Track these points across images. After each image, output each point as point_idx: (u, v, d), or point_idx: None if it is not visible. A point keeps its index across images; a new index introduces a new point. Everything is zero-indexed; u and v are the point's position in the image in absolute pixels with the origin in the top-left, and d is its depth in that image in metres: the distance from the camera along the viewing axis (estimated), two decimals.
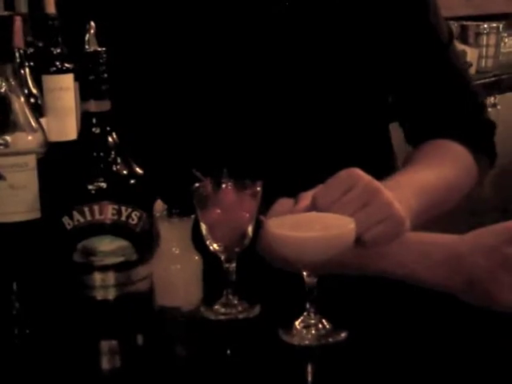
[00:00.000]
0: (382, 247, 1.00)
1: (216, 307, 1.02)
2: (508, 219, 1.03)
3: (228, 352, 0.98)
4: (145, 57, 1.19)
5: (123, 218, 0.93)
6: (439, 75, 1.28)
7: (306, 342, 0.95)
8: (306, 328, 0.96)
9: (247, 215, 1.00)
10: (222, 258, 1.03)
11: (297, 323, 0.97)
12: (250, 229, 1.02)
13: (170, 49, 1.18)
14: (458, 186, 1.21)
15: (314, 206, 1.00)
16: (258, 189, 1.00)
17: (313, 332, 0.96)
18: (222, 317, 1.01)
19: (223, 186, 1.00)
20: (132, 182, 0.95)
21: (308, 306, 0.97)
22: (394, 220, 0.98)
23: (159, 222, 1.00)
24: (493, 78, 3.06)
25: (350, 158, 1.16)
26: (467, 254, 1.00)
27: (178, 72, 1.19)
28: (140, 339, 0.96)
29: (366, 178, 0.98)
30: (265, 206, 1.02)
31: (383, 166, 1.17)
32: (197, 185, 1.00)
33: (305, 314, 0.97)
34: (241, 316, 1.01)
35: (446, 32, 1.30)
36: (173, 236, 1.01)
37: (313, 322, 0.97)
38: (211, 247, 1.03)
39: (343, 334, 0.97)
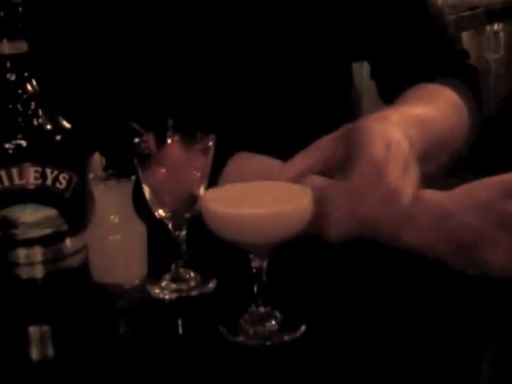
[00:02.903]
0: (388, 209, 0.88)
1: (164, 283, 0.93)
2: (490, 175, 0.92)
3: (178, 336, 0.87)
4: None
5: (48, 183, 0.85)
6: (416, 19, 1.20)
7: (252, 342, 0.80)
8: (253, 323, 0.82)
9: (198, 175, 0.90)
10: (170, 225, 0.93)
11: (243, 318, 0.83)
12: (201, 191, 0.92)
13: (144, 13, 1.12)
14: (458, 128, 1.12)
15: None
16: (210, 143, 0.91)
17: (262, 328, 0.82)
18: (172, 294, 0.92)
19: (168, 140, 0.91)
20: (58, 138, 0.86)
21: (256, 294, 0.83)
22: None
23: (93, 184, 0.92)
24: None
25: (316, 111, 1.15)
26: (456, 212, 0.90)
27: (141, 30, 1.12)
28: (74, 324, 0.87)
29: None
30: (218, 165, 0.94)
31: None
32: (137, 140, 0.91)
33: (252, 305, 0.83)
34: (193, 293, 0.92)
35: None
36: (110, 201, 0.93)
37: (262, 314, 0.82)
38: (156, 213, 0.93)
39: (301, 328, 0.82)
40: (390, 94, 1.16)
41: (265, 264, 0.81)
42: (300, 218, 0.79)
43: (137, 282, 0.94)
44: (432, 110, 1.06)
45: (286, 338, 0.80)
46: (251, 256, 0.80)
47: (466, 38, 2.92)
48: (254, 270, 0.81)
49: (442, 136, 1.04)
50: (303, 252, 0.92)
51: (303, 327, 0.81)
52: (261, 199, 0.80)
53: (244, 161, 1.02)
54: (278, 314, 0.82)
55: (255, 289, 0.82)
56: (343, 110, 1.25)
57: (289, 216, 0.78)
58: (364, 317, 0.85)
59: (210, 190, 0.86)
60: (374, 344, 0.80)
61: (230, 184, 0.86)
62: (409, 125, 0.94)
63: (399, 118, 0.93)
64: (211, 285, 0.93)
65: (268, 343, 0.79)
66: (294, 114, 1.18)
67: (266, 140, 1.02)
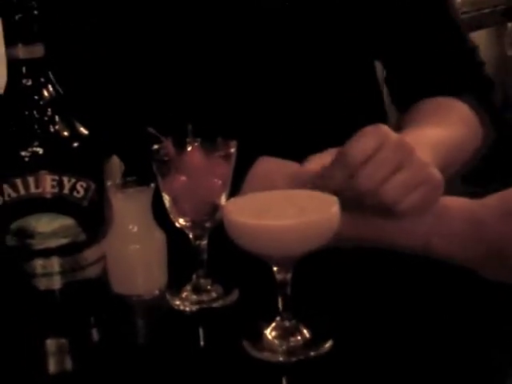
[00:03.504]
0: (416, 218, 0.89)
1: (185, 294, 0.91)
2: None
3: (199, 350, 0.84)
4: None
5: (66, 191, 0.82)
6: (435, 28, 1.18)
7: (280, 359, 0.77)
8: (278, 338, 0.79)
9: (219, 182, 0.88)
10: (191, 235, 0.91)
11: (267, 332, 0.80)
12: (223, 199, 0.89)
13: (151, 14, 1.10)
14: (467, 146, 1.10)
15: (341, 165, 0.84)
16: (232, 150, 0.88)
17: (287, 343, 0.78)
18: (193, 306, 0.90)
19: (188, 146, 0.88)
20: (75, 145, 0.83)
21: (281, 307, 0.79)
22: (432, 184, 0.88)
23: (112, 193, 0.90)
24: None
25: (338, 112, 1.13)
26: (490, 220, 0.87)
27: (150, 36, 1.10)
28: (93, 336, 0.84)
29: (394, 135, 0.87)
30: (240, 172, 0.91)
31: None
32: (156, 146, 0.88)
33: (277, 318, 0.80)
34: (215, 304, 0.90)
35: None
36: (129, 210, 0.91)
37: (287, 328, 0.79)
38: (176, 223, 0.90)
39: (328, 344, 0.79)
40: (403, 103, 1.16)
41: (289, 276, 0.78)
42: (327, 229, 0.76)
43: (156, 292, 0.91)
44: (443, 129, 1.05)
45: (312, 353, 0.77)
46: (275, 268, 0.77)
47: (486, 35, 2.88)
48: (278, 283, 0.78)
49: (452, 155, 1.04)
50: (330, 262, 0.89)
51: (330, 343, 0.78)
52: (285, 209, 0.76)
53: (268, 165, 0.99)
54: (303, 329, 0.79)
55: (279, 302, 0.79)
56: (367, 110, 1.23)
57: (315, 227, 0.75)
58: (394, 333, 0.82)
59: (232, 199, 0.83)
60: (404, 363, 0.77)
61: (252, 193, 0.83)
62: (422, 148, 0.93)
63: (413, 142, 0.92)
64: (233, 296, 0.90)
65: (293, 359, 0.76)
66: (316, 115, 1.16)
67: (289, 145, 0.99)
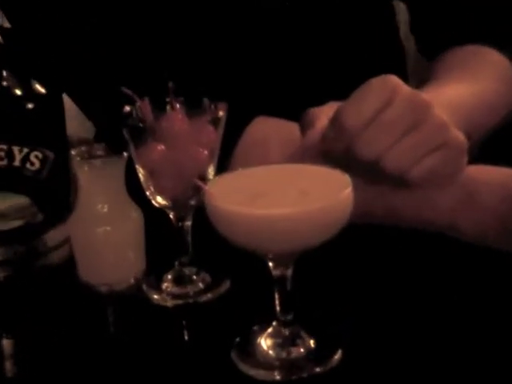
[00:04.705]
0: (431, 188, 0.78)
1: (165, 285, 0.80)
2: None
3: (180, 357, 0.70)
4: None
5: (17, 163, 0.75)
6: None
7: (277, 377, 0.63)
8: (275, 348, 0.65)
9: (205, 153, 0.75)
10: (172, 215, 0.79)
11: (261, 340, 0.66)
12: (210, 172, 0.76)
13: None
14: (498, 105, 0.98)
15: (336, 129, 0.72)
16: (221, 113, 0.76)
17: (287, 354, 0.64)
18: (174, 300, 0.78)
19: (168, 108, 0.77)
20: (29, 106, 0.75)
21: (278, 309, 0.65)
22: (453, 148, 0.76)
23: (76, 164, 0.78)
24: None
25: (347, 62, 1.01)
26: None
27: None
28: (56, 331, 0.74)
29: (406, 89, 0.75)
30: (231, 139, 0.80)
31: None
32: (128, 108, 0.77)
33: (273, 323, 0.66)
34: (201, 299, 0.77)
35: None
36: (98, 185, 0.79)
37: (286, 336, 0.65)
38: (154, 201, 0.78)
39: (336, 356, 0.64)
40: (430, 51, 1.05)
41: (289, 272, 0.63)
42: (336, 219, 0.60)
43: (131, 282, 0.79)
44: (470, 85, 0.95)
45: (317, 369, 0.63)
46: (271, 264, 0.63)
47: None
48: (275, 279, 0.64)
49: (479, 116, 0.94)
50: (338, 252, 0.75)
51: (338, 354, 0.64)
52: (283, 193, 0.61)
53: (264, 128, 0.88)
54: (305, 337, 0.65)
55: (276, 302, 0.65)
56: (382, 64, 1.11)
57: (321, 217, 0.60)
58: (413, 340, 0.67)
59: (217, 178, 0.68)
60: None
61: (242, 169, 0.67)
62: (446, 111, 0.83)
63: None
64: (223, 288, 0.78)
65: (294, 377, 0.62)
66: (323, 67, 1.04)
67: (289, 107, 0.86)
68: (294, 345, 0.65)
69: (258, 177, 0.65)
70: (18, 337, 0.75)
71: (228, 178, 0.66)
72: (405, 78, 1.10)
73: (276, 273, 0.64)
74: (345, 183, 0.62)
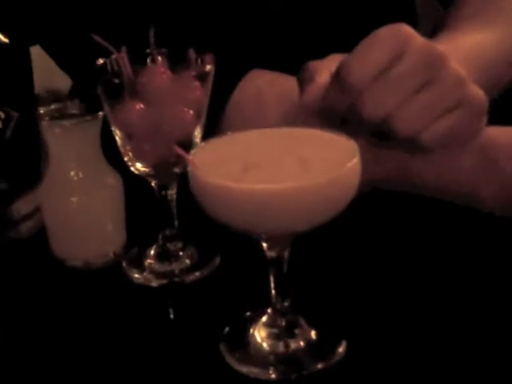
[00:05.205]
0: (449, 152, 0.72)
1: (147, 262, 0.74)
2: None
3: (164, 345, 0.62)
4: None
5: None
6: None
7: (272, 375, 0.55)
8: (270, 340, 0.57)
9: (191, 112, 0.68)
10: (153, 183, 0.71)
11: (254, 331, 0.58)
12: (196, 135, 0.69)
13: None
14: None
15: (339, 85, 0.65)
16: (209, 67, 0.69)
17: (284, 349, 0.57)
18: (157, 280, 0.71)
19: (149, 60, 0.71)
20: None
21: (274, 295, 0.58)
22: (471, 106, 0.70)
23: (45, 125, 0.71)
24: None
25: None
26: None
27: None
28: (26, 311, 0.69)
29: (419, 39, 0.69)
30: (220, 96, 0.72)
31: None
32: (102, 61, 0.69)
33: (268, 310, 0.58)
34: (188, 277, 0.70)
35: None
36: (70, 148, 0.73)
37: (283, 327, 0.58)
38: (133, 168, 0.70)
39: (340, 349, 0.57)
40: None
41: (286, 254, 0.55)
42: (343, 192, 0.52)
43: (110, 256, 0.74)
44: (490, 33, 0.89)
45: (318, 365, 0.55)
46: (265, 244, 0.55)
47: None
48: (270, 261, 0.56)
49: (500, 68, 0.88)
50: (340, 231, 0.66)
51: (343, 346, 0.56)
52: (280, 162, 0.53)
53: (258, 82, 0.81)
54: (305, 326, 0.57)
55: (271, 286, 0.57)
56: (388, 10, 1.02)
57: (326, 191, 0.51)
58: (421, 329, 0.60)
59: (202, 145, 0.59)
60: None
61: (232, 134, 0.58)
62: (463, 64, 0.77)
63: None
64: (213, 266, 0.71)
65: (293, 376, 0.54)
66: (323, 16, 0.95)
67: (283, 58, 0.80)
68: (292, 336, 0.57)
69: (250, 143, 0.56)
70: None
71: (215, 144, 0.57)
72: (415, 27, 1.04)
73: (271, 254, 0.55)
74: (351, 151, 0.53)
